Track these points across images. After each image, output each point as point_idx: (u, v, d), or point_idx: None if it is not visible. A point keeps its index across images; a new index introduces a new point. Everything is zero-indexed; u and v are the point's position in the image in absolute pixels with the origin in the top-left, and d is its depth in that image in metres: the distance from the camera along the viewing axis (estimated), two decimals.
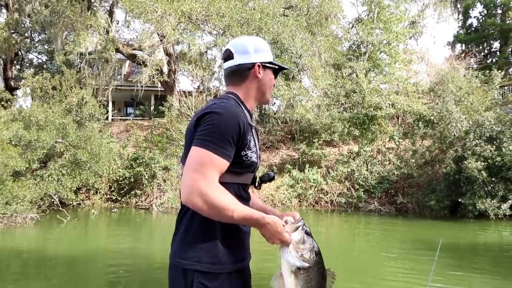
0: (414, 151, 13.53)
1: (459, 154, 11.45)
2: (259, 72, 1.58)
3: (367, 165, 14.83)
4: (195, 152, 1.38)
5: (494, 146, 10.89)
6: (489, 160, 10.82)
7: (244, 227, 1.52)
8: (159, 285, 5.67)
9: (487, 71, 14.33)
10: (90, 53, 17.57)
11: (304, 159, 15.55)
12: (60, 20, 17.22)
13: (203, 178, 1.33)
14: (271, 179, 1.67)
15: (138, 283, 5.93)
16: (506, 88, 17.95)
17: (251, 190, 1.70)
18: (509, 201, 10.88)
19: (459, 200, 11.19)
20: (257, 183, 1.63)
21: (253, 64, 1.58)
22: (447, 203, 11.72)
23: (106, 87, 19.56)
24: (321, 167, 15.27)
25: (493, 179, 11.10)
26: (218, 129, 1.38)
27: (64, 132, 13.22)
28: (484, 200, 10.79)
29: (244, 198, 1.54)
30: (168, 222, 12.40)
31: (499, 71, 14.14)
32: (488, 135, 11.12)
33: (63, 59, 15.97)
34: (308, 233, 1.47)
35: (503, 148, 10.73)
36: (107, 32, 17.94)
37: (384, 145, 15.81)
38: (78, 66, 17.56)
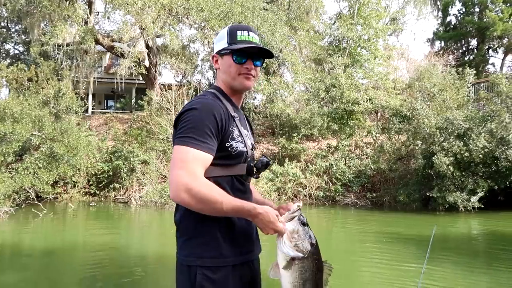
0: (381, 147, 13.87)
1: (429, 150, 11.80)
2: (216, 62, 1.61)
3: (345, 160, 15.10)
4: (176, 151, 1.40)
5: (462, 142, 11.26)
6: (457, 156, 11.18)
7: (245, 220, 1.49)
8: (137, 278, 5.73)
9: (460, 69, 14.72)
10: (68, 45, 17.26)
11: (284, 153, 15.73)
12: (36, 10, 16.83)
13: (187, 173, 1.35)
14: (265, 165, 1.61)
15: (115, 276, 5.94)
16: (482, 85, 18.42)
17: (253, 182, 1.71)
18: (478, 194, 11.29)
19: (427, 194, 11.56)
20: (254, 172, 1.59)
21: (213, 57, 1.64)
22: (417, 196, 12.08)
23: (85, 79, 19.27)
24: (300, 161, 15.48)
25: (463, 173, 11.49)
26: (194, 124, 1.40)
27: (40, 124, 13.01)
28: (453, 194, 11.18)
29: (241, 191, 1.53)
30: (146, 216, 12.42)
31: (472, 69, 14.54)
32: (456, 133, 11.49)
33: (39, 50, 15.63)
34: (304, 224, 1.44)
35: (469, 144, 11.11)
36: (86, 23, 17.62)
37: (362, 140, 16.12)
38: (56, 58, 17.23)
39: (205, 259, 1.43)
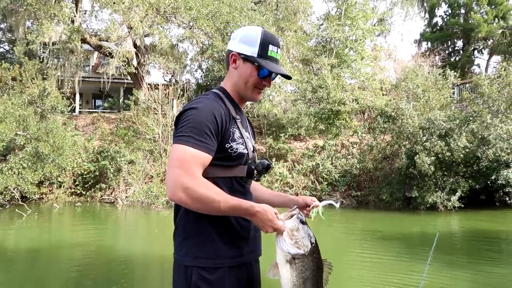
0: (370, 146, 14.06)
1: (412, 149, 12.00)
2: (234, 62, 1.55)
3: (331, 159, 15.25)
4: (175, 150, 1.39)
5: (444, 142, 11.48)
6: (439, 155, 11.39)
7: (244, 221, 1.49)
8: (123, 278, 5.74)
9: (442, 70, 14.97)
10: (54, 43, 17.09)
11: (271, 153, 15.81)
12: (22, 8, 16.63)
13: (185, 173, 1.34)
14: (266, 167, 1.59)
15: (101, 275, 5.95)
16: (468, 85, 18.71)
17: (260, 183, 1.71)
18: (457, 194, 11.51)
19: (406, 193, 11.76)
20: (254, 174, 1.57)
21: (231, 52, 1.56)
22: (400, 195, 12.28)
23: (72, 79, 19.09)
24: (287, 161, 15.58)
25: (444, 173, 11.71)
26: (194, 124, 1.39)
27: (25, 124, 12.91)
28: (434, 193, 11.39)
29: (241, 192, 1.52)
30: (133, 216, 12.40)
31: (454, 71, 14.80)
32: (438, 133, 11.71)
33: (24, 49, 15.46)
34: (303, 222, 1.44)
35: (451, 144, 11.33)
36: (72, 21, 17.48)
37: (348, 140, 16.29)
38: (42, 57, 17.06)
39: (200, 259, 1.43)
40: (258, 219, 1.39)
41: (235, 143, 1.48)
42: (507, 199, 12.01)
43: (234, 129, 1.49)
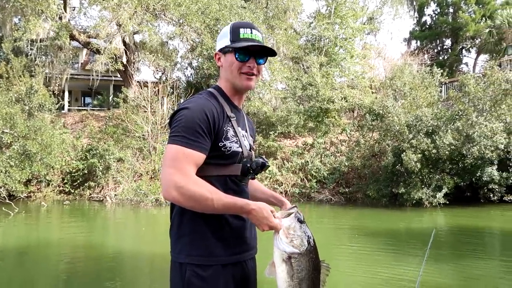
0: (357, 143, 14.22)
1: (399, 147, 12.17)
2: (219, 60, 1.60)
3: (320, 157, 15.37)
4: (168, 150, 1.42)
5: (430, 139, 11.66)
6: (425, 152, 11.57)
7: (239, 219, 1.50)
8: (112, 275, 5.75)
9: (428, 68, 15.16)
10: (42, 40, 16.92)
11: (261, 151, 15.87)
12: (8, 4, 16.42)
13: (178, 172, 1.36)
14: (261, 166, 1.57)
15: (90, 274, 5.95)
16: (456, 84, 18.96)
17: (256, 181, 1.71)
18: (443, 190, 11.71)
19: (393, 190, 11.93)
20: (249, 173, 1.56)
21: (215, 55, 1.62)
22: (386, 192, 12.45)
23: (60, 76, 18.92)
24: (277, 159, 15.67)
25: (430, 170, 11.89)
26: (186, 123, 1.40)
27: (12, 122, 12.78)
28: (420, 190, 11.57)
29: (235, 191, 1.51)
30: (122, 214, 12.38)
31: (441, 69, 14.99)
32: (425, 130, 11.88)
33: (11, 46, 15.27)
34: (301, 221, 1.42)
35: (437, 141, 11.51)
36: (61, 18, 17.31)
37: (337, 137, 16.43)
38: (29, 54, 16.87)
39: (193, 256, 1.44)
40: (254, 217, 1.40)
41: (229, 141, 1.49)
42: (491, 195, 12.23)
43: (228, 128, 1.50)
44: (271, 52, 1.60)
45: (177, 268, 1.47)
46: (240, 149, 1.52)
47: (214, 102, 1.50)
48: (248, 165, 1.54)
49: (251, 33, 1.56)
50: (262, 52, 1.57)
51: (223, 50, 1.56)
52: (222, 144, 1.47)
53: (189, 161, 1.38)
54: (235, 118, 1.55)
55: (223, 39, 1.57)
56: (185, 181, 1.35)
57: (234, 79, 1.56)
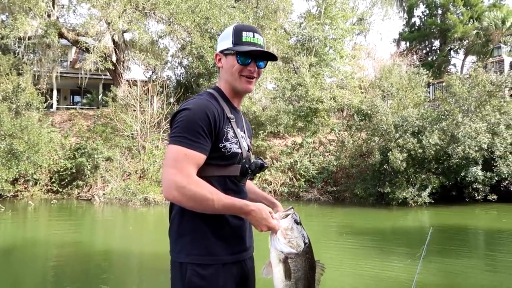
0: (342, 143, 14.37)
1: (386, 146, 12.33)
2: (219, 61, 1.61)
3: (309, 156, 15.48)
4: (169, 150, 1.43)
5: (416, 139, 11.83)
6: (411, 152, 11.74)
7: (238, 219, 1.51)
8: (100, 274, 5.74)
9: (416, 69, 15.36)
10: (30, 38, 16.75)
11: None
12: None
13: (179, 172, 1.37)
14: (260, 167, 1.59)
15: (79, 273, 5.92)
16: (444, 84, 19.18)
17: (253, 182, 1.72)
18: (427, 190, 11.90)
19: (379, 189, 12.09)
20: (248, 174, 1.58)
21: (216, 55, 1.63)
22: (373, 191, 12.61)
23: (49, 74, 18.74)
24: (266, 158, 15.73)
25: (416, 169, 12.06)
26: (187, 124, 1.42)
27: None
28: (405, 189, 11.74)
29: (234, 191, 1.53)
30: (110, 213, 12.34)
31: (427, 70, 15.21)
32: (411, 130, 12.06)
33: None
34: (297, 222, 1.45)
35: (422, 141, 11.69)
36: (49, 16, 17.15)
37: (326, 137, 16.56)
38: (17, 51, 16.68)
39: (193, 256, 1.46)
40: (253, 218, 1.42)
41: (229, 142, 1.50)
42: (476, 195, 12.46)
43: (228, 129, 1.52)
44: (272, 57, 1.63)
45: (177, 268, 1.48)
46: (239, 150, 1.54)
47: (214, 103, 1.52)
48: (247, 166, 1.56)
49: (254, 37, 1.57)
50: (263, 56, 1.60)
51: (224, 52, 1.58)
52: (223, 145, 1.49)
53: (190, 162, 1.40)
54: (234, 120, 1.57)
55: (225, 41, 1.59)
56: (186, 182, 1.37)
57: (234, 81, 1.58)
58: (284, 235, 1.41)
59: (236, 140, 1.53)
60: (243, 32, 1.57)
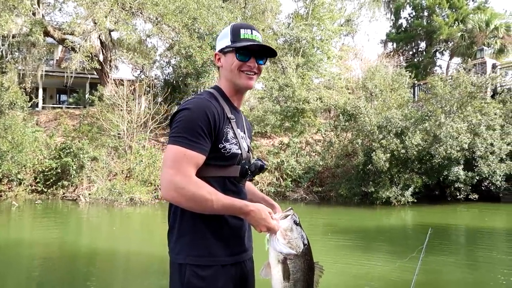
0: (330, 143, 14.53)
1: (370, 146, 12.52)
2: (219, 60, 1.61)
3: (296, 156, 15.61)
4: (168, 150, 1.42)
5: (399, 140, 12.04)
6: (394, 152, 11.94)
7: (238, 220, 1.51)
8: (86, 274, 5.74)
9: (398, 70, 15.61)
10: (14, 36, 16.55)
11: None
12: None
13: (178, 172, 1.37)
14: (259, 168, 1.58)
15: (63, 273, 5.89)
16: (429, 85, 19.46)
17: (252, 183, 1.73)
18: (410, 189, 12.11)
19: (363, 189, 12.27)
20: (248, 175, 1.57)
21: (215, 55, 1.63)
22: (357, 191, 12.79)
23: (34, 73, 18.54)
24: (253, 158, 15.81)
25: (400, 169, 12.27)
26: (187, 124, 1.41)
27: None
28: (389, 189, 11.94)
29: (234, 192, 1.52)
30: (96, 213, 12.27)
31: (410, 72, 15.46)
32: (395, 131, 12.26)
33: None
34: (297, 223, 1.44)
35: (405, 141, 11.90)
36: (34, 14, 16.96)
37: (312, 137, 16.71)
38: (1, 50, 16.46)
39: (192, 257, 1.45)
40: (252, 218, 1.42)
41: (229, 143, 1.49)
42: (458, 194, 12.71)
43: (228, 129, 1.51)
44: (272, 53, 1.61)
45: (177, 269, 1.47)
46: (239, 151, 1.53)
47: (214, 103, 1.50)
48: (247, 167, 1.55)
49: (252, 33, 1.57)
50: (262, 53, 1.59)
51: (223, 50, 1.58)
52: (222, 145, 1.48)
53: (189, 162, 1.40)
54: (234, 120, 1.56)
55: (223, 40, 1.59)
56: (185, 182, 1.37)
57: (234, 78, 1.57)
58: (283, 235, 1.41)
59: (236, 141, 1.52)
60: (241, 30, 1.57)
